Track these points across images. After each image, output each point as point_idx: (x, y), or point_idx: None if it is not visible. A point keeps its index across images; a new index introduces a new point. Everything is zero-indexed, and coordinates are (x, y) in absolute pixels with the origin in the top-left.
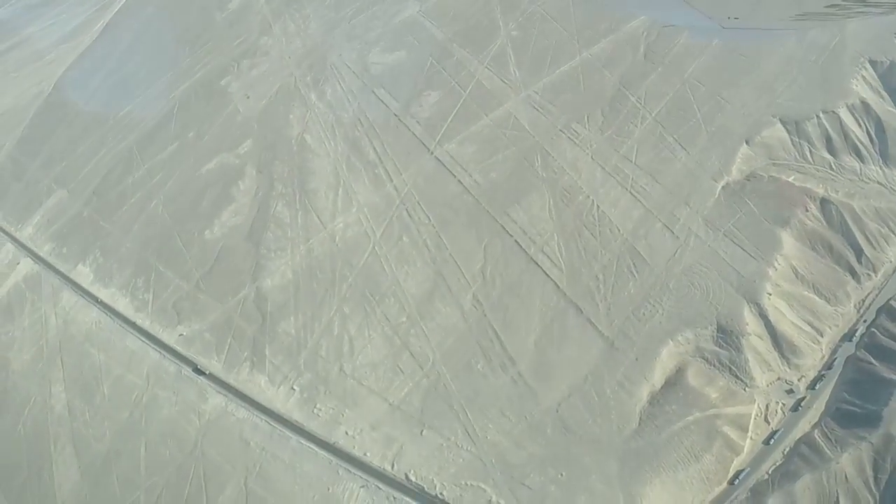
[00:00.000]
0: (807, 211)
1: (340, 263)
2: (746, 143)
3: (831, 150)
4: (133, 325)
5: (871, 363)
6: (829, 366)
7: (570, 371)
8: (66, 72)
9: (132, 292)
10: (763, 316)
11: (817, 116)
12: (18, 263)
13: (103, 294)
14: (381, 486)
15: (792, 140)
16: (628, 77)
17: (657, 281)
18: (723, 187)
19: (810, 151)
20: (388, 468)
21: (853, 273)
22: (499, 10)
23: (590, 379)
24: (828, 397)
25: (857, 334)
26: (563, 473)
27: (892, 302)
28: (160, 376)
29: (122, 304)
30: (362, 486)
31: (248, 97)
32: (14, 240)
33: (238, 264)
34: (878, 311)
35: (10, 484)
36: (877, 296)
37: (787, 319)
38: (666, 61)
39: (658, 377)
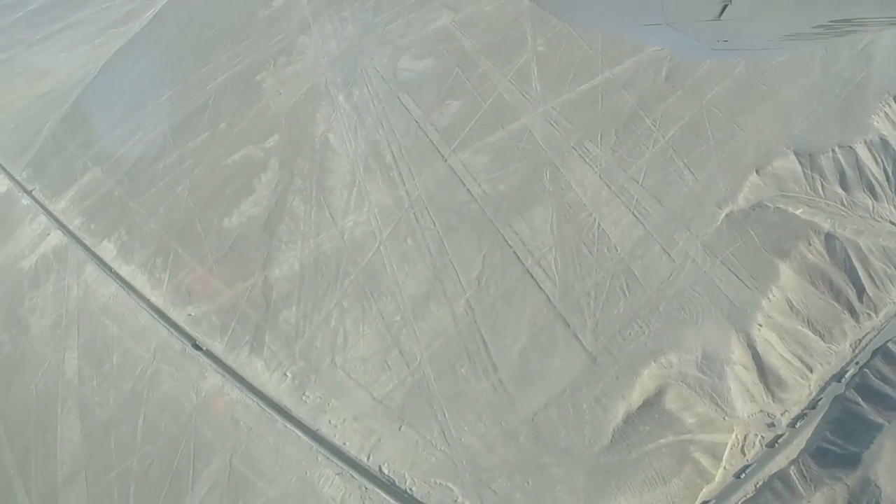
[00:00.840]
0: (809, 244)
1: (346, 260)
2: (756, 172)
3: (844, 185)
4: (147, 301)
5: (858, 404)
6: (813, 404)
7: (550, 382)
8: (114, 56)
9: (150, 271)
10: (751, 346)
11: (833, 150)
12: (49, 235)
13: (123, 270)
14: (355, 475)
15: (804, 172)
16: (647, 99)
17: (648, 302)
18: (726, 214)
19: (822, 185)
20: (364, 459)
21: (852, 311)
22: (529, 25)
23: (568, 392)
24: (809, 434)
25: (848, 374)
26: (530, 481)
27: (889, 344)
28: (166, 352)
29: (140, 281)
30: (338, 474)
31: (280, 93)
32: (48, 212)
33: (251, 253)
34: (874, 353)
35: (17, 442)
36: (875, 337)
37: (777, 352)
38: (686, 85)
39: (636, 397)
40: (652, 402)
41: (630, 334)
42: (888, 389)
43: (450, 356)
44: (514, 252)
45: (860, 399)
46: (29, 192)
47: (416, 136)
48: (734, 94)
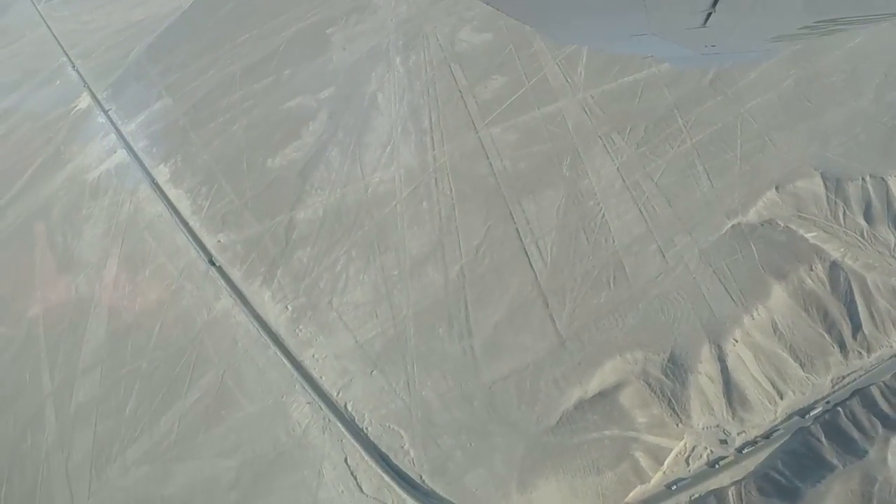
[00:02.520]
0: (811, 270)
1: (364, 212)
2: (776, 188)
3: (868, 216)
4: (185, 224)
5: (819, 441)
6: (768, 434)
7: (516, 356)
8: None
9: (194, 197)
10: (721, 360)
11: (863, 179)
12: (115, 153)
13: (172, 193)
14: (322, 407)
15: (828, 197)
16: (685, 99)
17: (630, 297)
18: (732, 226)
19: (844, 213)
20: (334, 394)
21: (842, 347)
22: None
23: (530, 368)
24: (761, 459)
25: (815, 411)
26: (473, 444)
27: (872, 388)
28: (191, 272)
29: (183, 205)
30: (308, 403)
31: (344, 49)
32: (118, 132)
33: (284, 193)
34: (854, 393)
35: (52, 331)
36: (860, 377)
37: (748, 371)
38: (729, 91)
39: (593, 386)
40: (608, 394)
41: (604, 325)
42: (855, 433)
43: (433, 316)
44: (517, 228)
45: (823, 436)
46: (106, 112)
47: (456, 106)
48: (775, 107)
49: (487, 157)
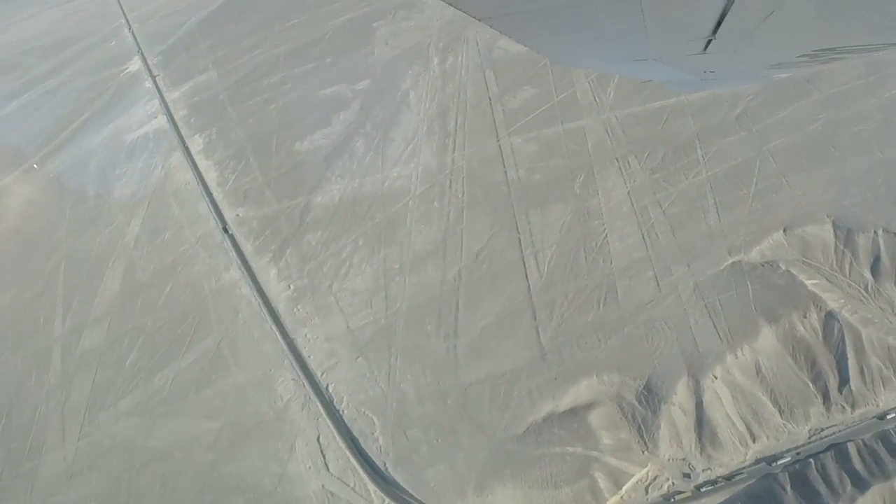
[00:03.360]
0: (805, 317)
1: (377, 204)
2: (784, 230)
3: (875, 271)
4: (210, 195)
5: (784, 490)
6: (730, 477)
7: (496, 362)
8: None
9: (221, 170)
10: (697, 394)
11: (875, 232)
12: (156, 118)
13: (202, 164)
14: (306, 385)
15: (836, 245)
16: (708, 131)
17: (617, 320)
18: (733, 263)
19: (851, 264)
20: (319, 375)
21: (826, 399)
22: None
23: (507, 376)
24: (719, 501)
25: (782, 460)
26: (440, 441)
27: (849, 444)
28: (207, 241)
29: (210, 176)
30: (293, 379)
31: (387, 43)
32: (162, 98)
33: (306, 177)
34: (830, 446)
35: (70, 279)
36: (839, 432)
37: (723, 409)
38: (754, 128)
39: (566, 402)
40: (578, 412)
41: (586, 344)
42: (822, 488)
43: (424, 312)
44: (519, 239)
45: (789, 485)
46: (153, 77)
47: (483, 112)
48: (799, 149)
49: (504, 166)
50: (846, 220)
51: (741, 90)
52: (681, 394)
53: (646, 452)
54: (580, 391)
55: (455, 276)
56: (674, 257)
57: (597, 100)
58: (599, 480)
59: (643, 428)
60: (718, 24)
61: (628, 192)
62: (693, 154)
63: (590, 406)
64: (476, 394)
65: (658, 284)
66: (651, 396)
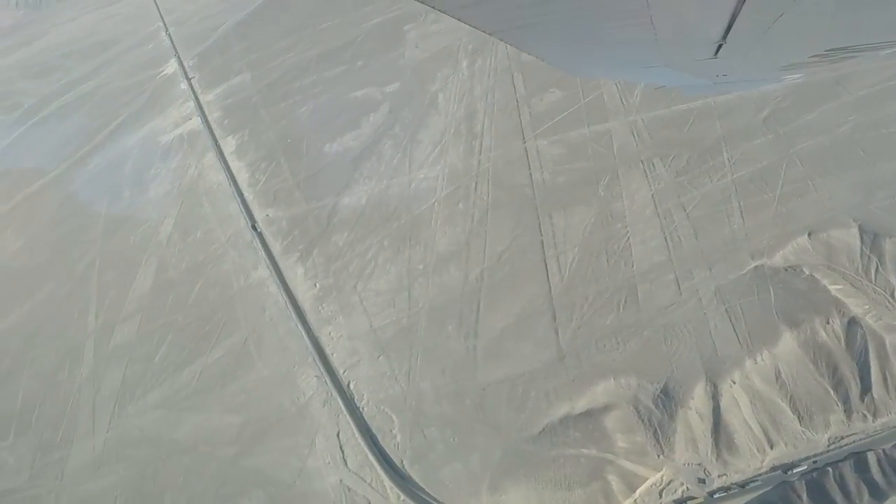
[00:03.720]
0: (827, 323)
1: (403, 206)
2: (809, 235)
3: None
4: (241, 195)
5: (800, 498)
6: (744, 484)
7: (515, 363)
8: None
9: (253, 171)
10: (715, 399)
11: None
12: (190, 120)
13: (234, 164)
14: (328, 382)
15: (862, 250)
16: (735, 133)
17: (636, 323)
18: (755, 267)
19: (877, 269)
20: (341, 372)
21: (847, 407)
22: None
23: (525, 377)
24: None
25: (799, 469)
26: (456, 440)
27: (869, 454)
28: (237, 241)
29: (242, 177)
30: (316, 376)
31: (417, 46)
32: (197, 100)
33: (334, 178)
34: (849, 455)
35: (104, 276)
36: (860, 441)
37: (741, 414)
38: (781, 131)
39: (582, 404)
40: (594, 414)
41: (605, 346)
42: (839, 498)
43: (446, 313)
44: (542, 240)
45: (805, 493)
46: (189, 80)
47: (510, 114)
48: (826, 152)
49: (529, 168)
50: (873, 225)
51: (768, 92)
52: (698, 398)
53: (661, 456)
54: (597, 394)
55: (477, 276)
56: (696, 261)
57: (623, 102)
58: (613, 483)
59: (659, 432)
60: (729, 27)
61: (652, 195)
62: (718, 157)
63: (606, 409)
64: (493, 394)
65: (679, 288)
66: (668, 400)
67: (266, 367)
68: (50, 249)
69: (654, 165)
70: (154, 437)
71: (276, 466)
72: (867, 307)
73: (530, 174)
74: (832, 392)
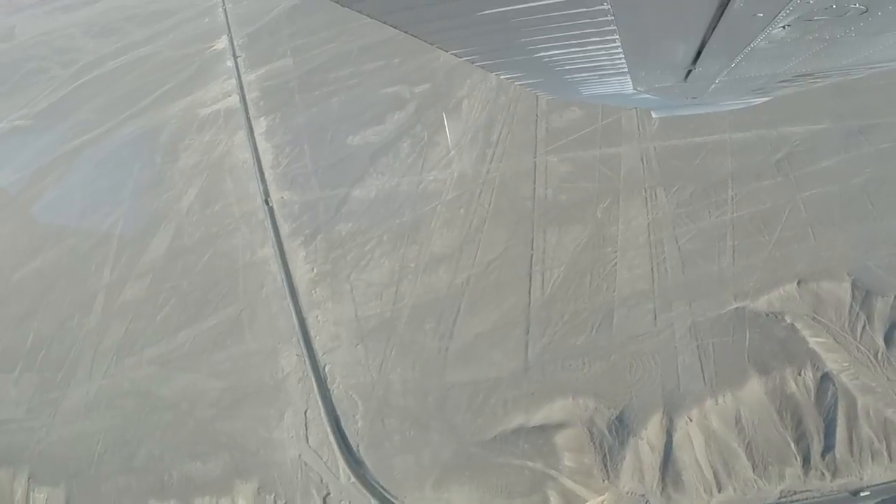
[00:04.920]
0: (799, 375)
1: (408, 204)
2: (798, 283)
3: (889, 339)
4: (262, 175)
5: None
6: None
7: (481, 369)
8: None
9: (277, 154)
10: (669, 433)
11: None
12: (229, 96)
13: (262, 145)
14: (306, 362)
15: (851, 306)
16: (744, 172)
17: (606, 347)
18: (736, 308)
19: (863, 328)
20: (320, 355)
21: (806, 462)
22: None
23: (489, 384)
24: None
25: None
26: (412, 433)
27: None
28: (250, 218)
29: (266, 159)
30: (297, 355)
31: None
32: (239, 78)
33: (351, 170)
34: None
35: (124, 237)
36: (814, 499)
37: (693, 453)
38: (792, 175)
39: (538, 417)
40: (547, 430)
41: (571, 365)
42: None
43: (427, 312)
44: (531, 254)
45: None
46: (235, 58)
47: (527, 127)
48: (834, 201)
49: (534, 182)
50: (867, 282)
51: (789, 134)
52: (652, 429)
53: (606, 481)
54: (554, 410)
55: (464, 281)
56: (678, 294)
57: (640, 128)
58: (552, 499)
59: (608, 457)
60: (699, 54)
61: (648, 224)
62: (723, 193)
63: (560, 426)
64: (456, 395)
65: (655, 318)
66: (622, 427)
67: (254, 341)
68: (80, 204)
69: (656, 194)
70: (143, 390)
71: (245, 433)
72: (846, 364)
73: (534, 188)
74: (793, 445)
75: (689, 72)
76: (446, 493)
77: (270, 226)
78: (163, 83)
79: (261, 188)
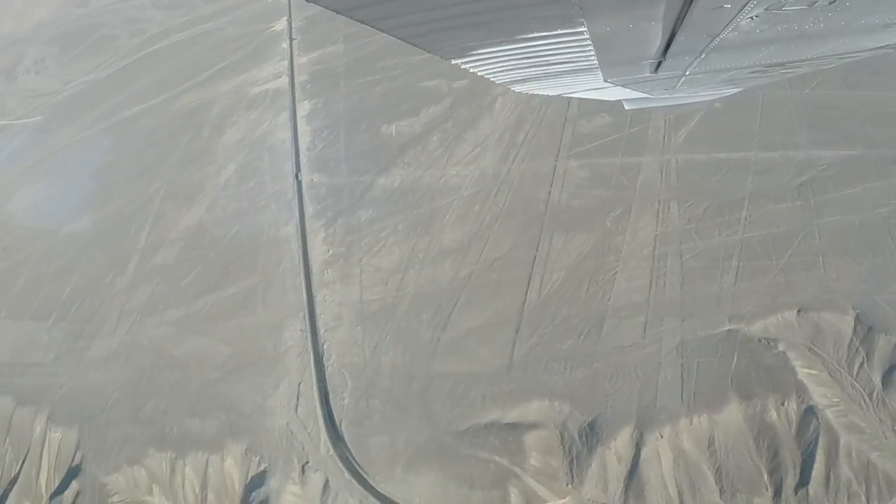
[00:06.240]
0: (782, 404)
1: (427, 197)
2: (798, 311)
3: (886, 379)
4: (297, 157)
5: None
6: None
7: (467, 363)
8: None
9: (314, 138)
10: (637, 447)
11: None
12: (280, 77)
13: (301, 129)
14: (308, 338)
15: (851, 340)
16: (763, 193)
17: (590, 354)
18: (729, 330)
19: (861, 364)
20: (321, 332)
21: (777, 495)
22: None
23: (471, 377)
24: None
25: None
26: (392, 415)
27: None
28: (280, 197)
29: (304, 141)
30: (301, 330)
31: None
32: (291, 61)
33: (379, 159)
34: None
35: (164, 204)
36: None
37: (661, 469)
38: (812, 200)
39: (512, 415)
40: (518, 428)
41: (553, 368)
42: None
43: (426, 302)
44: (535, 256)
45: None
46: (291, 40)
47: (554, 130)
48: (852, 231)
49: (551, 186)
50: (872, 317)
51: (816, 158)
52: (621, 441)
53: (569, 485)
54: (529, 410)
55: (466, 276)
56: (671, 310)
57: (665, 139)
58: (512, 496)
59: (575, 462)
60: (667, 46)
61: (655, 236)
62: (737, 213)
63: (532, 426)
64: (438, 384)
65: (644, 332)
66: (592, 434)
67: (265, 313)
68: (128, 172)
69: (669, 207)
70: (159, 348)
71: (243, 397)
72: (836, 400)
73: (550, 192)
74: (766, 475)
75: (660, 63)
76: (414, 476)
77: (297, 204)
78: (221, 59)
79: (293, 170)
